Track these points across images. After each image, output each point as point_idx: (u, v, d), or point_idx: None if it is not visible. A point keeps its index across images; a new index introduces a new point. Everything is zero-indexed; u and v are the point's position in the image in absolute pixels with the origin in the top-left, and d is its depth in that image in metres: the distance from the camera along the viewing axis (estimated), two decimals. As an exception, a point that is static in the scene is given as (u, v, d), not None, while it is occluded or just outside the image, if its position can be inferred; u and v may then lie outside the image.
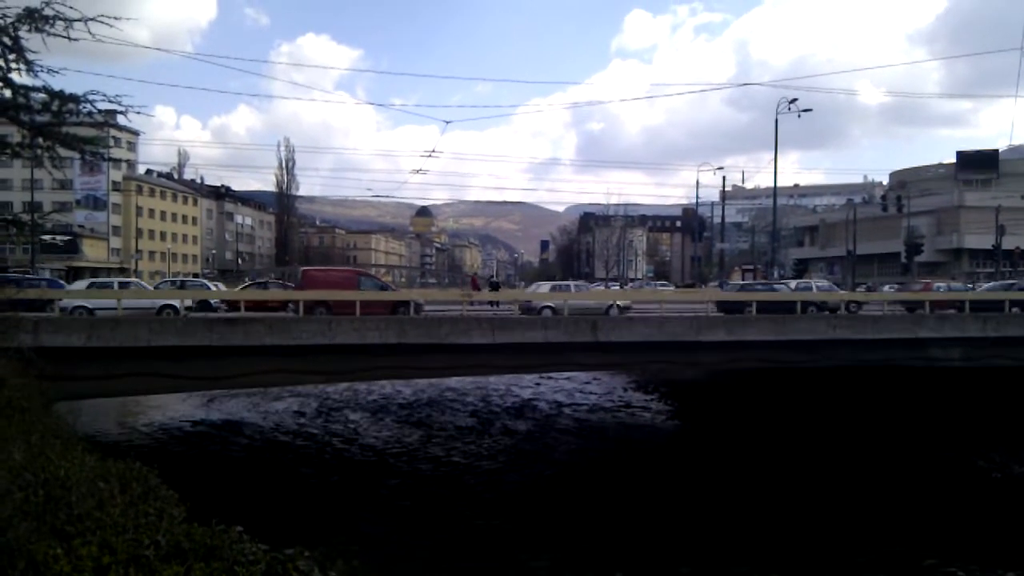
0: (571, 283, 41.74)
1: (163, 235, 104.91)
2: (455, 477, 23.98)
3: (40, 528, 5.18)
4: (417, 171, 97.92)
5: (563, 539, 17.93)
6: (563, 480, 23.95)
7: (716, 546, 17.85)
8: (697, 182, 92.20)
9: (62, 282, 40.60)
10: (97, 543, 4.96)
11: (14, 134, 13.32)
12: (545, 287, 36.38)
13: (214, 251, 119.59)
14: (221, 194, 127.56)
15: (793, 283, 38.63)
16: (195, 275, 76.80)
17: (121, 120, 14.44)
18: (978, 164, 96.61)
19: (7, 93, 12.18)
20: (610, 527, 18.64)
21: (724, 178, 66.91)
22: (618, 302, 30.29)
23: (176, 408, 33.43)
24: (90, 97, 12.41)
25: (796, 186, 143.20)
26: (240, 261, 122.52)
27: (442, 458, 26.24)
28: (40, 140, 12.77)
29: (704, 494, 21.88)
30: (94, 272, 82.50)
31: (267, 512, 15.43)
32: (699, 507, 20.74)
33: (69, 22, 11.73)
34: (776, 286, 36.12)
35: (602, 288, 42.79)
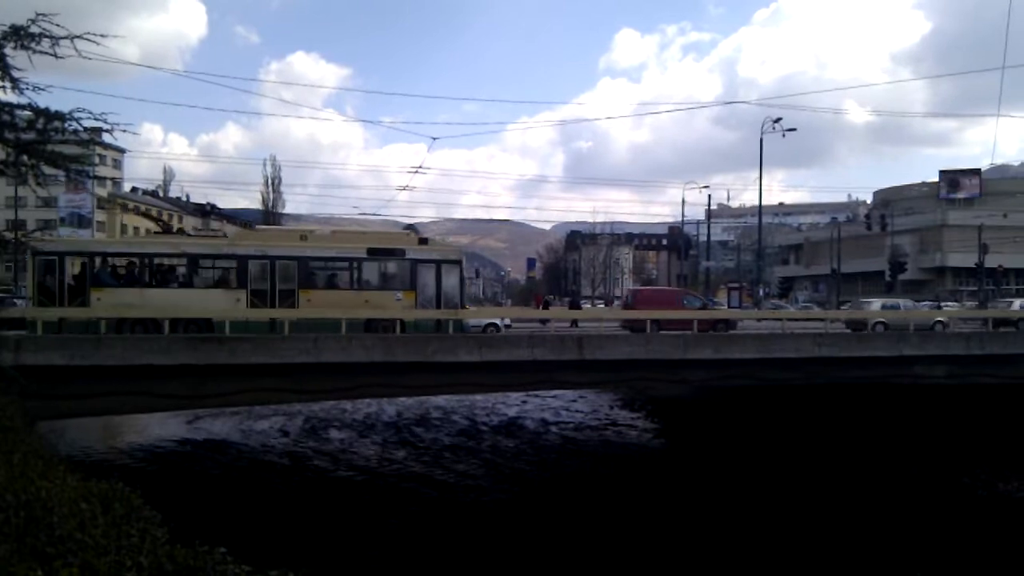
0: (900, 301, 42.00)
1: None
2: (441, 496, 23.85)
3: (20, 550, 5.12)
4: (403, 188, 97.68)
5: (551, 558, 17.85)
6: (551, 499, 23.86)
7: (702, 566, 17.82)
8: (683, 201, 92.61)
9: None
10: (78, 565, 4.90)
11: (-2, 152, 13.25)
12: (876, 305, 37.13)
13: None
14: (207, 212, 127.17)
15: (1017, 302, 39.28)
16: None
17: (107, 138, 14.38)
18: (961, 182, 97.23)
19: (-8, 110, 12.14)
20: (597, 547, 18.57)
21: (710, 197, 67.36)
22: (940, 319, 32.04)
23: (160, 427, 33.14)
24: (76, 115, 12.39)
25: (781, 204, 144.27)
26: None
27: (428, 476, 26.10)
28: (24, 158, 12.71)
29: (689, 514, 21.87)
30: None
31: (251, 532, 15.31)
32: (684, 527, 20.72)
33: (55, 39, 11.71)
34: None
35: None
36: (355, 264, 26.00)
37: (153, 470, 25.91)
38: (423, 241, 28.17)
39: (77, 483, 7.37)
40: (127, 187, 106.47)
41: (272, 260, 25.03)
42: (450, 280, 26.19)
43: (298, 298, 24.91)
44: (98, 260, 24.84)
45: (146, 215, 28.78)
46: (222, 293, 24.77)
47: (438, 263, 26.28)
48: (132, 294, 23.97)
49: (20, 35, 11.52)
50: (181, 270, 25.17)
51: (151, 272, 24.73)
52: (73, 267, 24.40)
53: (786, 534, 20.07)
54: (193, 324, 22.87)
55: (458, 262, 26.90)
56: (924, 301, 55.95)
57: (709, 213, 69.82)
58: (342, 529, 19.66)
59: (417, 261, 26.12)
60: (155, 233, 27.22)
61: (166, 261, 25.07)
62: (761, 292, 60.25)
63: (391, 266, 26.39)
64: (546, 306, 46.68)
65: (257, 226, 31.57)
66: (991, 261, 60.82)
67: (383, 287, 26.17)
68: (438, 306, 25.72)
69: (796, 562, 18.12)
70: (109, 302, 23.43)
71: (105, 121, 12.60)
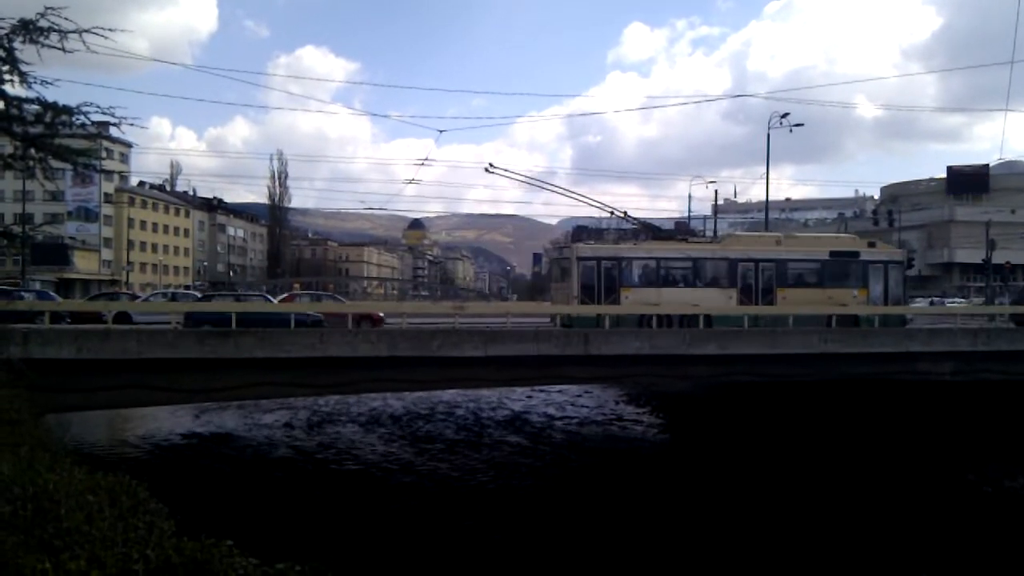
0: None
1: (155, 247, 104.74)
2: (446, 490, 23.91)
3: (28, 542, 5.15)
4: (410, 181, 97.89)
5: (555, 552, 17.88)
6: (556, 494, 23.89)
7: (707, 560, 17.82)
8: (689, 195, 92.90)
9: (53, 294, 40.51)
10: (86, 557, 4.92)
11: (6, 145, 13.28)
12: None
13: (206, 263, 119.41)
14: (213, 206, 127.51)
15: None
16: (186, 287, 76.68)
17: (115, 131, 14.41)
18: (968, 188, 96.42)
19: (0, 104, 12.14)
20: (601, 541, 18.59)
21: (716, 192, 67.63)
22: None
23: (166, 421, 33.27)
24: (84, 109, 12.38)
25: (788, 200, 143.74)
26: (232, 273, 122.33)
27: (433, 471, 26.16)
28: (32, 152, 12.72)
29: (693, 508, 21.85)
30: (85, 284, 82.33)
31: (258, 526, 15.36)
32: (688, 521, 20.71)
33: (64, 34, 11.71)
34: None
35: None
36: (820, 265, 29.36)
37: (160, 463, 26.01)
38: (871, 244, 31.18)
39: (84, 476, 7.40)
40: (134, 181, 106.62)
41: (756, 262, 28.69)
42: (895, 278, 29.45)
43: (776, 295, 28.31)
44: (625, 263, 28.31)
45: (652, 230, 31.90)
46: (718, 292, 28.37)
47: (885, 263, 29.55)
48: (651, 293, 27.52)
49: (29, 29, 11.51)
50: (686, 272, 28.66)
51: (664, 273, 28.45)
52: (608, 269, 27.76)
53: (791, 529, 20.06)
54: (694, 319, 25.95)
55: (901, 263, 30.17)
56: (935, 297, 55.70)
57: (716, 208, 69.83)
58: (349, 523, 19.71)
59: (869, 262, 29.46)
60: (648, 239, 30.94)
61: (674, 264, 28.74)
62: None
63: (848, 266, 29.50)
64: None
65: (737, 232, 35.13)
66: (999, 257, 60.60)
67: (842, 285, 29.13)
68: (885, 302, 28.81)
69: (801, 558, 18.11)
70: (635, 300, 27.08)
71: (113, 115, 12.60)
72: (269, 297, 35.45)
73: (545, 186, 32.33)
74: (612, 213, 30.88)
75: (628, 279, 27.90)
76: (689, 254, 29.04)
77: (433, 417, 35.90)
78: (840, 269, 29.39)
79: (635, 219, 32.70)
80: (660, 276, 28.31)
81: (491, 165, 28.47)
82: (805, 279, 29.38)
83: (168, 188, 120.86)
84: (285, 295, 36.39)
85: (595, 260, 27.83)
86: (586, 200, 33.42)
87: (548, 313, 28.49)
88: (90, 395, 19.64)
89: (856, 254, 29.72)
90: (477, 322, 26.53)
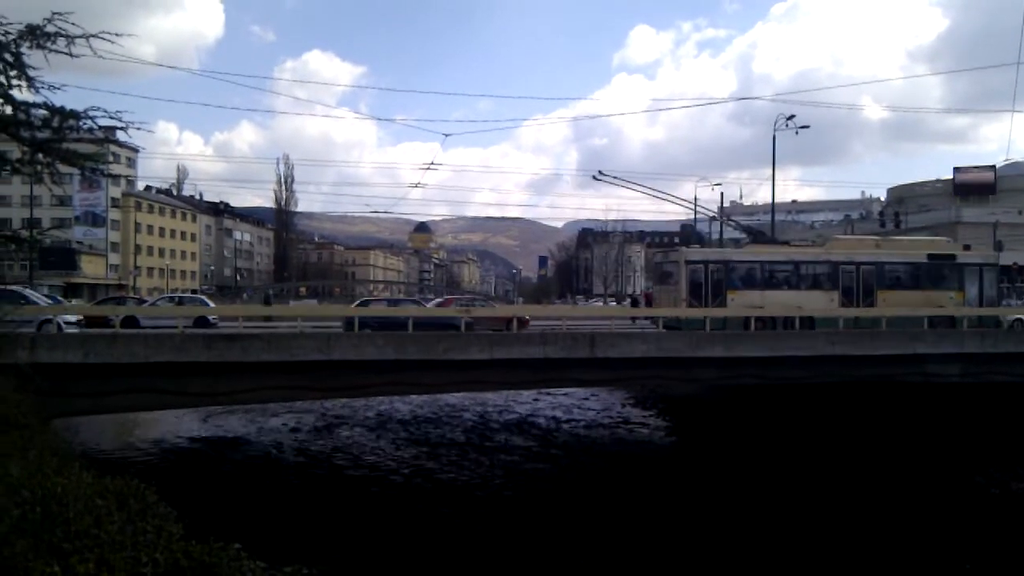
0: None
1: (162, 251, 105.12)
2: (453, 494, 23.86)
3: (37, 545, 5.16)
4: (416, 185, 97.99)
5: (563, 556, 17.84)
6: (562, 497, 23.83)
7: (713, 563, 17.77)
8: (695, 198, 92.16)
9: (60, 298, 40.67)
10: (95, 560, 4.94)
11: (14, 150, 13.33)
12: None
13: (212, 267, 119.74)
14: (220, 210, 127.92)
15: None
16: (193, 291, 76.90)
17: (121, 136, 14.41)
18: (975, 191, 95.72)
19: (7, 109, 12.18)
20: (608, 543, 18.55)
21: (722, 194, 67.60)
22: None
23: (173, 424, 33.27)
24: (91, 113, 12.42)
25: (794, 202, 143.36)
26: (239, 277, 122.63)
27: (440, 474, 26.11)
28: (40, 156, 12.76)
29: (700, 511, 21.79)
30: (92, 288, 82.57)
31: (265, 529, 15.37)
32: (694, 524, 20.65)
33: (71, 39, 11.76)
34: None
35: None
36: (918, 268, 30.21)
37: (167, 467, 26.00)
38: (966, 247, 32.52)
39: (92, 479, 7.42)
40: (141, 186, 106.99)
41: (857, 265, 29.53)
42: (989, 280, 30.36)
43: (876, 297, 29.09)
44: (730, 267, 29.47)
45: (755, 235, 33.59)
46: (820, 294, 29.22)
47: (981, 266, 30.47)
48: (755, 295, 28.56)
49: (36, 34, 11.56)
50: (788, 275, 29.71)
51: (768, 276, 29.49)
52: (714, 273, 28.90)
53: (799, 531, 19.98)
54: (793, 320, 27.08)
55: (996, 265, 31.38)
56: None
57: (722, 211, 69.54)
58: (356, 526, 19.69)
59: (965, 265, 30.35)
60: (749, 243, 32.21)
61: (777, 267, 29.78)
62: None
63: (944, 269, 30.42)
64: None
65: (839, 236, 36.45)
66: (1007, 258, 60.29)
67: (939, 288, 29.95)
68: (980, 304, 29.38)
69: (809, 559, 18.04)
70: (740, 302, 27.93)
71: (120, 120, 12.64)
72: (422, 302, 36.29)
73: (651, 192, 34.50)
74: (711, 217, 32.31)
75: (733, 282, 28.85)
76: (792, 257, 30.20)
77: (440, 420, 35.85)
78: (937, 271, 30.23)
79: (737, 222, 33.80)
80: (764, 279, 29.30)
81: (600, 172, 30.18)
82: (903, 281, 30.14)
83: (175, 192, 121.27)
84: (440, 300, 37.62)
85: (702, 264, 28.95)
86: (682, 203, 35.52)
87: (650, 315, 29.55)
88: (97, 399, 19.68)
89: (953, 257, 30.60)
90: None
